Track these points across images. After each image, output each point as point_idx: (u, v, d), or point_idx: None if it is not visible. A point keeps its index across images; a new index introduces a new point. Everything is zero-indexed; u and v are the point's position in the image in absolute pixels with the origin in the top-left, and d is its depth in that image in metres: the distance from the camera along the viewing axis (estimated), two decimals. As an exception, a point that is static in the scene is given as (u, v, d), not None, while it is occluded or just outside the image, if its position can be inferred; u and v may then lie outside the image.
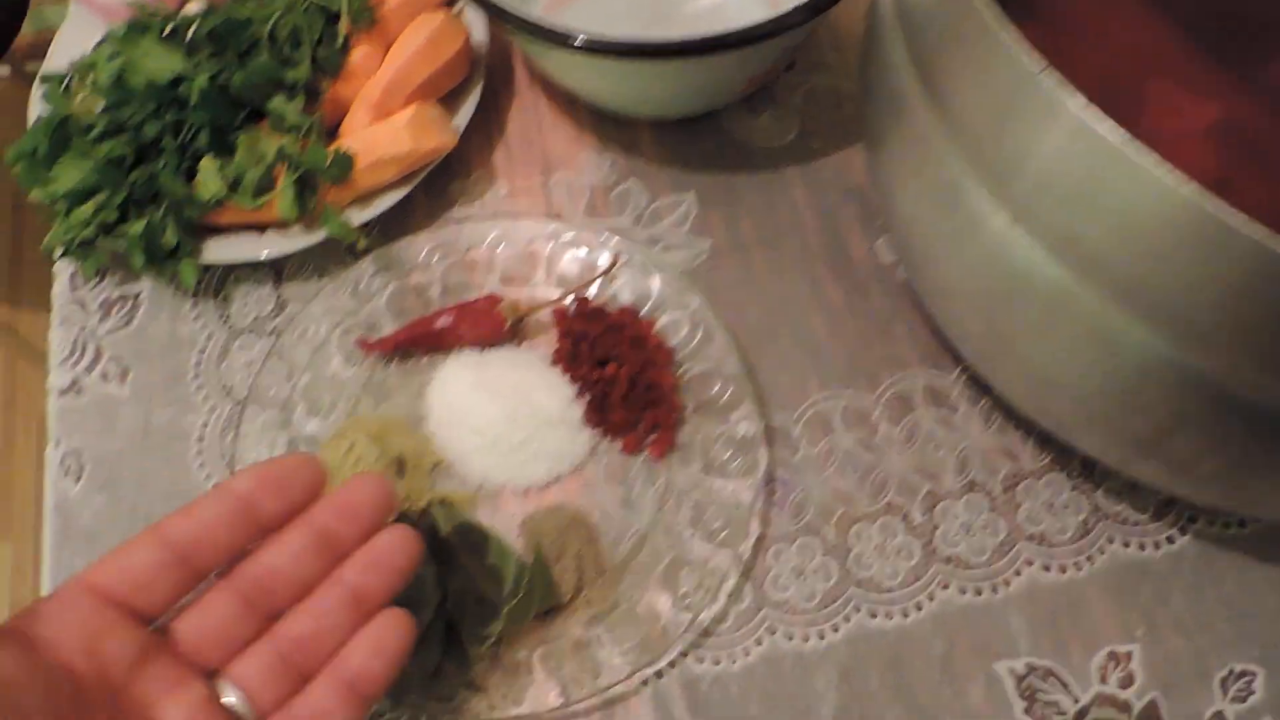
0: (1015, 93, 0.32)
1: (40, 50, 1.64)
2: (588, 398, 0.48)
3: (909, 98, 0.39)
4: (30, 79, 1.54)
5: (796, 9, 0.45)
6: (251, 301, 0.52)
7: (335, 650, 0.32)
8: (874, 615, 0.44)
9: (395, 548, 0.33)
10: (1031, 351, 0.39)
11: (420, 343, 0.49)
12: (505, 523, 0.46)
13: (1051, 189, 0.33)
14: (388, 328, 0.50)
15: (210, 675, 0.31)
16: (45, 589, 0.46)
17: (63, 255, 0.50)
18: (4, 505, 1.32)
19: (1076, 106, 0.29)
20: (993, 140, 0.34)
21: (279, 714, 0.31)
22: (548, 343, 0.50)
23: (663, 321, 0.50)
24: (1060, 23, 0.46)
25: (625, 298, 0.51)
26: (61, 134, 0.49)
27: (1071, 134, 0.30)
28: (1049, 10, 0.46)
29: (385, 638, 0.32)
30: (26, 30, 1.33)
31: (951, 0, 0.34)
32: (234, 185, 0.48)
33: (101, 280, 0.52)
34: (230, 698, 0.31)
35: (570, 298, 0.50)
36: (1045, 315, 0.36)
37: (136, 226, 0.47)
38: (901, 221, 0.43)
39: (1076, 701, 0.43)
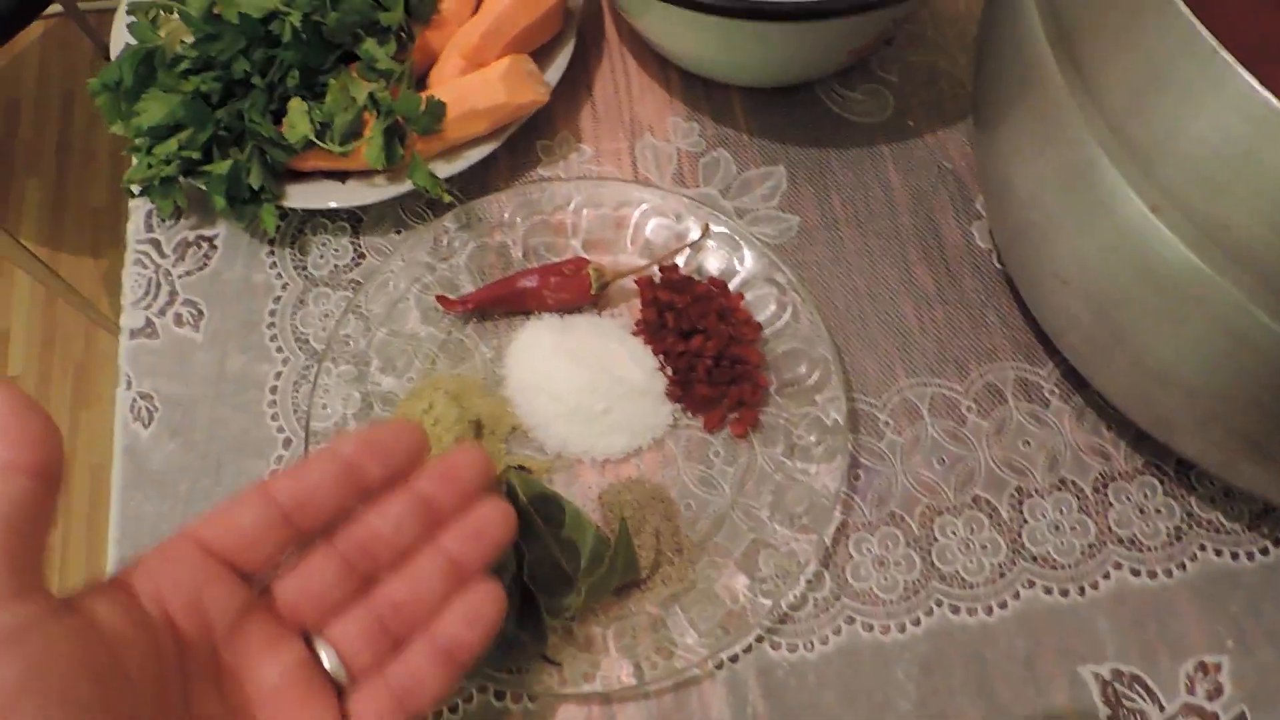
0: (1173, 65, 0.30)
1: (91, -11, 1.63)
2: (671, 370, 0.47)
3: (1041, 69, 0.37)
4: (82, 16, 1.54)
5: (913, -22, 0.43)
6: (329, 252, 0.51)
7: (430, 617, 0.32)
8: (956, 611, 0.43)
9: (494, 519, 0.33)
10: (1149, 344, 0.37)
11: (502, 303, 0.48)
12: (581, 493, 0.45)
13: (1203, 171, 0.31)
14: (466, 286, 0.49)
15: (307, 635, 0.31)
16: (112, 531, 0.45)
17: (141, 193, 0.49)
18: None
19: (1246, 79, 0.28)
20: (1140, 117, 0.32)
21: (373, 677, 0.31)
22: (630, 311, 0.49)
23: (750, 296, 0.48)
24: None
25: (712, 270, 0.49)
26: (147, 67, 0.47)
27: (1237, 109, 0.29)
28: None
29: (480, 607, 0.32)
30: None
31: None
32: (322, 130, 0.47)
33: (177, 221, 0.51)
34: (326, 658, 0.31)
35: (657, 266, 0.48)
36: (1174, 306, 0.35)
37: (221, 167, 0.46)
38: (1014, 204, 0.42)
39: (1162, 710, 0.42)
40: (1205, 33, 0.29)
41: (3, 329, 1.41)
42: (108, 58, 0.49)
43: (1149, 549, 0.44)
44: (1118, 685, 0.42)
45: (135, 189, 0.49)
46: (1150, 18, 0.31)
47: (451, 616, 0.32)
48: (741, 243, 0.49)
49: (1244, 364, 0.34)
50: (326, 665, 0.31)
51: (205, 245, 0.51)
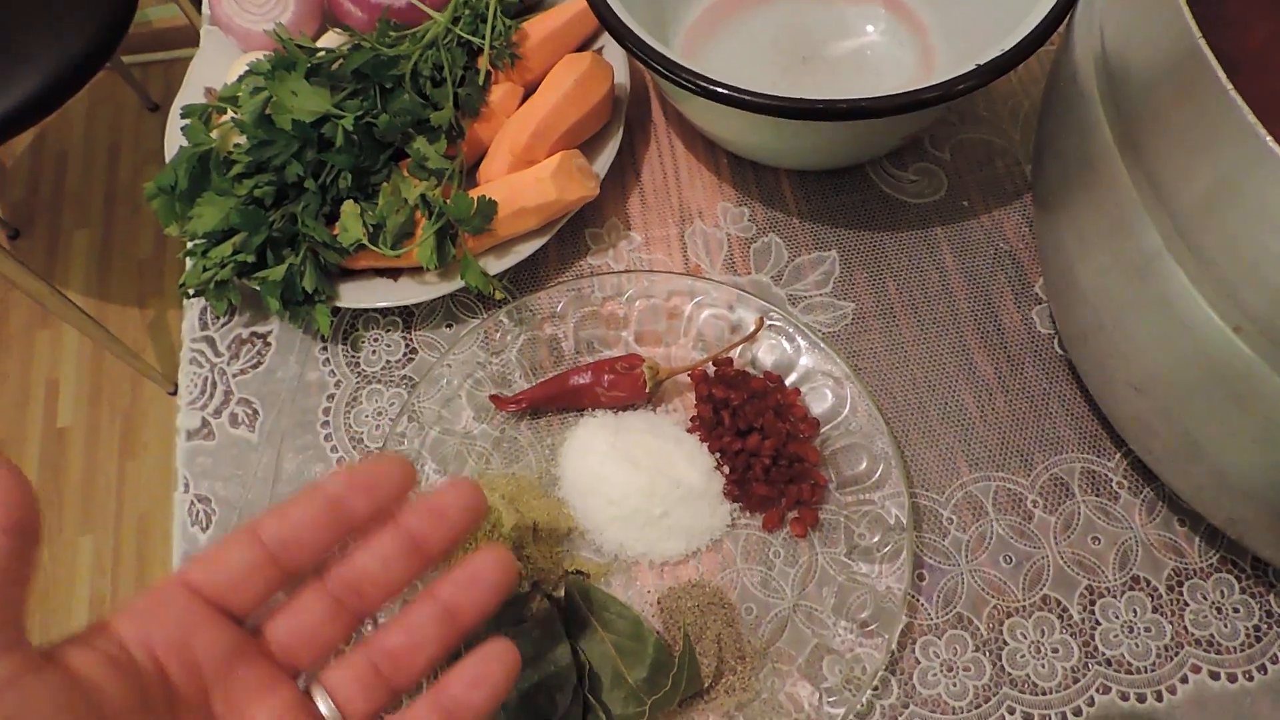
0: (1245, 177, 0.29)
1: (135, 43, 1.67)
2: (728, 469, 0.46)
3: (1107, 161, 0.36)
4: (125, 71, 1.57)
5: (971, 73, 0.43)
6: (381, 348, 0.51)
7: (426, 666, 0.31)
8: (1029, 719, 0.42)
9: (490, 565, 0.32)
10: (1230, 460, 0.36)
11: (554, 400, 0.48)
12: (640, 596, 0.45)
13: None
14: (518, 380, 0.49)
15: (300, 678, 0.31)
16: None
17: (196, 294, 0.49)
18: (86, 499, 1.34)
19: None
20: (1215, 230, 0.31)
21: None
22: (685, 405, 0.49)
23: (806, 390, 0.48)
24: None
25: (766, 362, 0.49)
26: (201, 168, 0.48)
27: None
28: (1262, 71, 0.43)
29: (489, 669, 0.31)
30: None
31: (1181, 62, 0.31)
32: (374, 232, 0.47)
33: (231, 319, 0.52)
34: (322, 704, 0.30)
35: (711, 362, 0.48)
36: (1260, 427, 0.33)
37: (277, 272, 0.46)
38: (1080, 300, 0.41)
39: (1247, 826, 0.40)
40: (1277, 148, 0.28)
41: (52, 380, 1.43)
42: (153, 109, 0.50)
43: (1228, 650, 0.43)
44: (1200, 797, 0.41)
45: (189, 291, 0.49)
46: (1218, 123, 0.29)
47: (459, 676, 0.31)
48: (796, 335, 0.48)
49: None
50: (323, 711, 0.30)
51: (259, 342, 0.51)
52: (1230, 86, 0.28)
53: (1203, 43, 0.29)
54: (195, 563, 0.30)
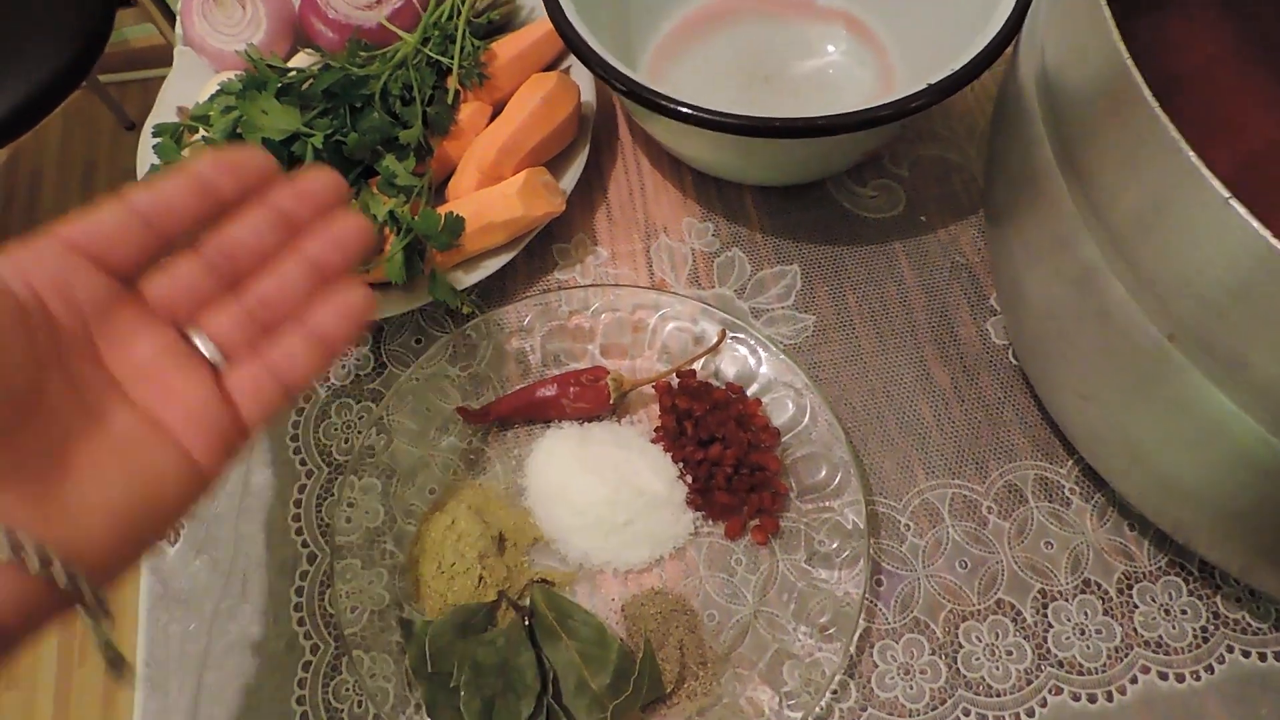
0: (1174, 196, 0.30)
1: (111, 62, 1.67)
2: (691, 478, 0.47)
3: (1049, 182, 0.37)
4: (102, 90, 1.57)
5: (922, 92, 0.44)
6: (350, 362, 0.51)
7: (297, 308, 0.33)
8: (984, 720, 0.43)
9: (351, 228, 0.33)
10: (1170, 465, 0.37)
11: (521, 413, 0.49)
12: (604, 604, 0.45)
13: (1214, 306, 0.31)
14: (486, 394, 0.50)
15: (179, 327, 0.32)
16: (140, 653, 0.45)
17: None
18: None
19: (1246, 219, 0.28)
20: (1147, 243, 0.32)
21: (247, 356, 0.32)
22: (649, 416, 0.50)
23: (767, 400, 0.49)
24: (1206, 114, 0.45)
25: (729, 374, 0.50)
26: (172, 190, 0.48)
27: (1242, 248, 0.29)
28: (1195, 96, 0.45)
29: (351, 302, 0.33)
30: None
31: (1112, 81, 0.32)
32: (343, 249, 0.47)
33: (201, 333, 0.52)
34: (200, 342, 0.32)
35: (675, 373, 0.49)
36: (1195, 433, 0.35)
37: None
38: (1029, 311, 0.42)
39: (1195, 822, 0.41)
40: (1205, 170, 0.29)
41: (25, 399, 1.42)
42: (129, 127, 0.50)
43: (1176, 651, 0.44)
44: (1150, 795, 0.42)
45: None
46: (1147, 141, 0.31)
47: (323, 309, 0.33)
48: (758, 347, 0.49)
49: (1266, 492, 0.34)
50: (200, 347, 0.32)
51: (230, 357, 0.52)
52: (1156, 105, 0.30)
53: (1130, 63, 0.31)
54: (68, 221, 0.30)
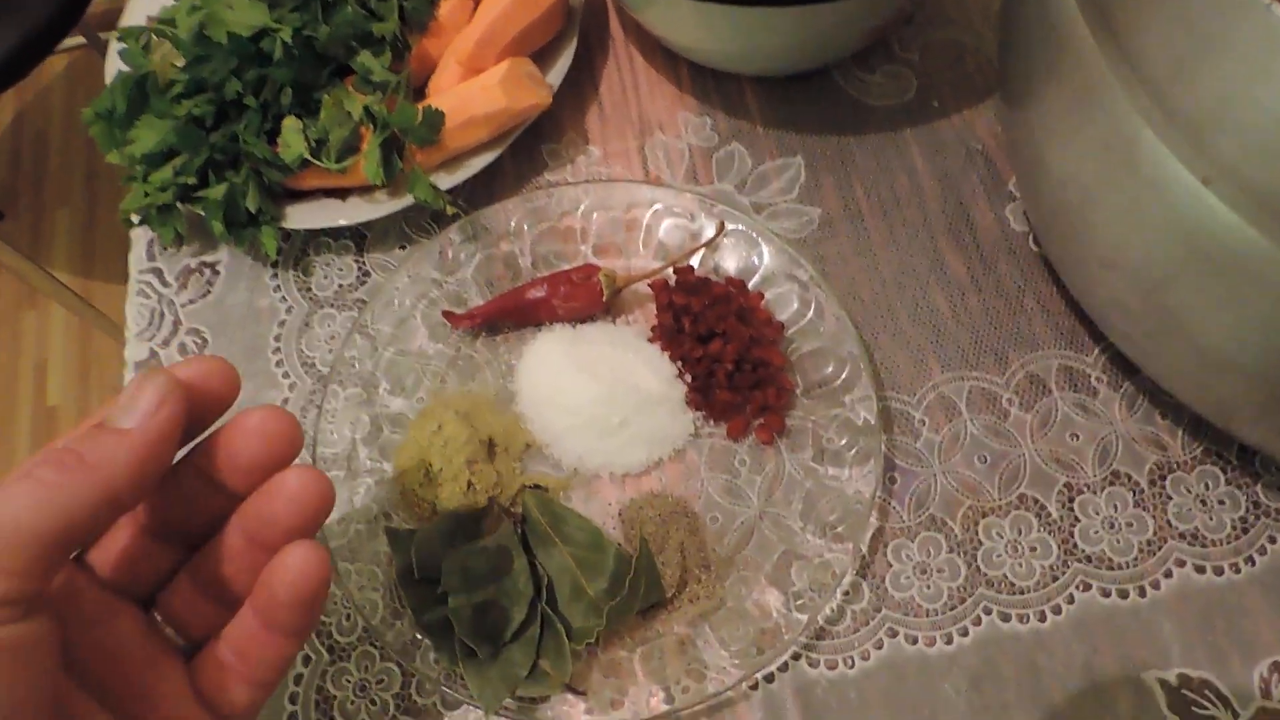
0: (1223, 26, 0.28)
1: (112, 19, 1.65)
2: (690, 377, 0.44)
3: (1073, 40, 0.34)
4: (104, 46, 1.55)
5: (929, -52, 0.41)
6: (333, 272, 0.49)
7: (250, 584, 0.30)
8: (1006, 618, 0.41)
9: (285, 506, 0.29)
10: (1204, 328, 0.34)
11: (510, 315, 0.46)
12: (601, 510, 0.43)
13: (1260, 139, 0.28)
14: (474, 300, 0.47)
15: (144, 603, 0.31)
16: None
17: (140, 222, 0.48)
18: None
19: None
20: (1187, 85, 0.30)
21: (212, 642, 0.30)
22: (645, 317, 0.47)
23: (770, 295, 0.46)
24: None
25: (729, 269, 0.47)
26: (140, 92, 0.46)
27: None
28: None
29: (276, 586, 0.29)
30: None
31: None
32: (318, 147, 0.45)
33: (178, 249, 0.50)
34: (162, 625, 0.30)
35: (671, 268, 0.46)
36: (1231, 286, 0.32)
37: (217, 191, 0.45)
38: (1050, 185, 0.39)
39: (1236, 716, 0.39)
40: None
41: (40, 360, 1.42)
42: None
43: (1213, 543, 0.41)
44: (1186, 691, 0.39)
45: (134, 218, 0.48)
46: None
47: (259, 588, 0.29)
48: (759, 239, 0.46)
49: (1310, 344, 0.31)
50: (167, 633, 0.30)
51: (208, 271, 0.50)
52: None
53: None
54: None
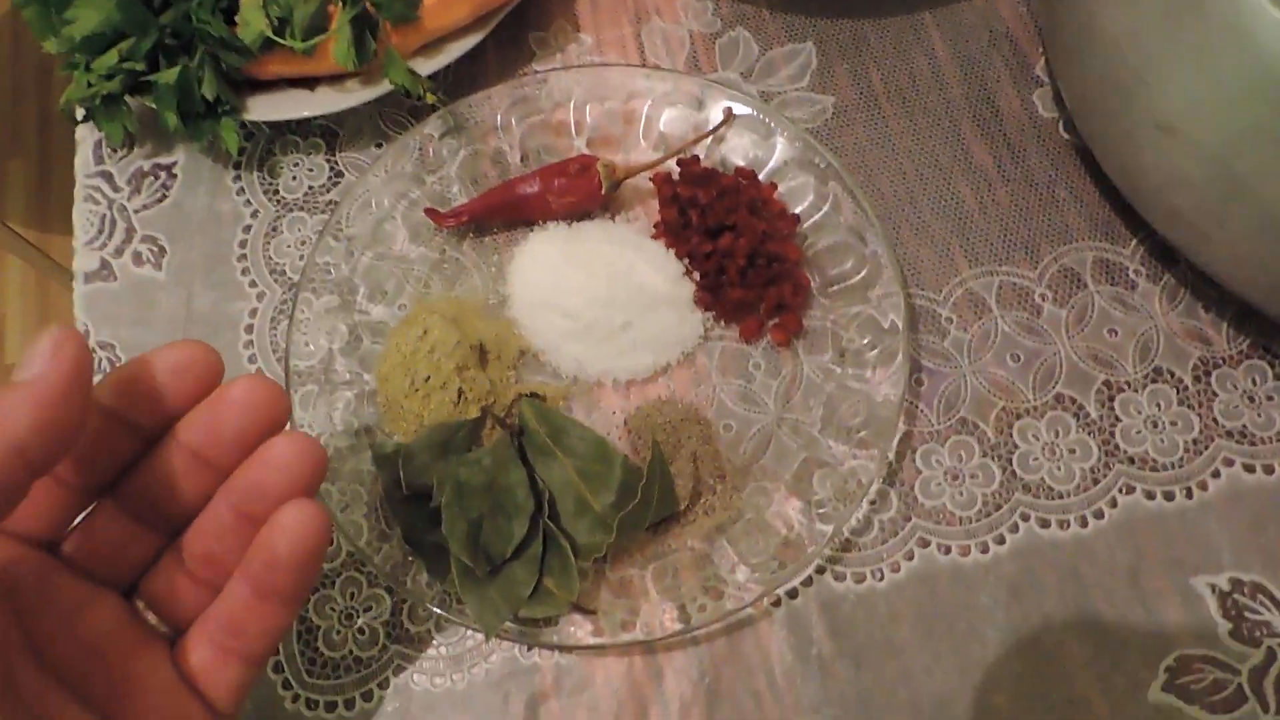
0: None
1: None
2: (699, 275, 0.41)
3: None
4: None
5: None
6: (302, 172, 0.45)
7: (237, 562, 0.29)
8: (1046, 524, 0.38)
9: (276, 475, 0.28)
10: (1268, 180, 0.31)
11: (499, 213, 0.42)
12: (604, 420, 0.40)
13: None
14: (459, 200, 0.43)
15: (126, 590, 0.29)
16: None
17: (85, 118, 0.43)
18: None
19: None
20: None
21: (198, 622, 0.29)
22: (647, 214, 0.43)
23: (783, 188, 0.42)
24: None
25: (738, 162, 0.43)
26: (78, -29, 0.41)
27: None
28: None
29: (277, 544, 0.27)
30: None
31: None
32: (280, 25, 0.41)
33: (130, 150, 0.46)
34: (146, 614, 0.29)
35: (674, 160, 0.42)
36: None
37: (169, 75, 0.40)
38: (1099, 51, 0.35)
39: (1292, 623, 0.36)
40: None
41: (-3, 316, 1.36)
42: None
43: (1263, 441, 0.39)
44: (1238, 596, 0.36)
45: (78, 113, 0.43)
46: None
47: (252, 553, 0.28)
48: (772, 125, 0.42)
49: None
50: (149, 620, 0.29)
51: (163, 175, 0.45)
52: None
53: None
54: None
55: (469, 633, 0.36)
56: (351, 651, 0.36)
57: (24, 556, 0.27)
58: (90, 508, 0.29)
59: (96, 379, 0.36)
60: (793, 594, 0.37)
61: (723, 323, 0.41)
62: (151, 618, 0.29)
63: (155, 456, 0.28)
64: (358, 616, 0.37)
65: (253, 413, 0.28)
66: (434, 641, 0.36)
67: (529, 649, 0.36)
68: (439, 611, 0.35)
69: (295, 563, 0.27)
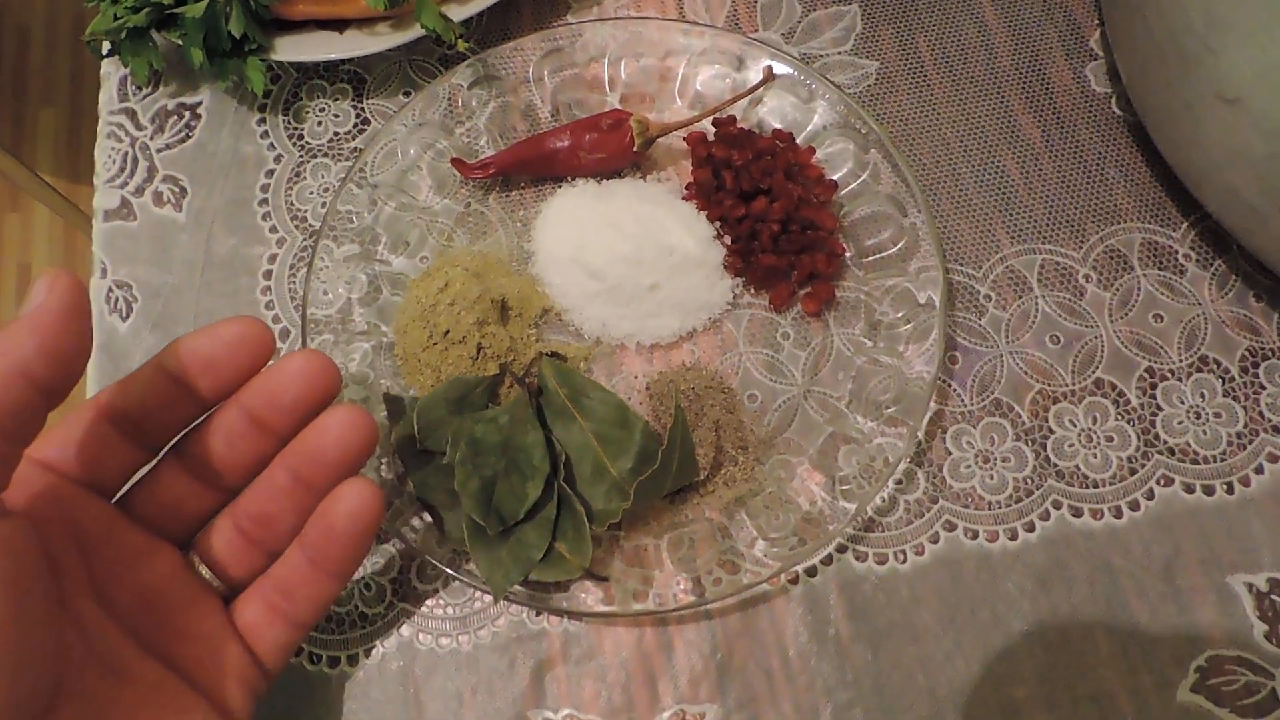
0: None
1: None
2: (730, 238, 0.39)
3: None
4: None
5: None
6: (328, 118, 0.44)
7: (289, 529, 0.31)
8: (1078, 513, 0.36)
9: (333, 439, 0.30)
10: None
11: (528, 167, 0.41)
12: (626, 385, 0.39)
13: None
14: (487, 152, 0.42)
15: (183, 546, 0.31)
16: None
17: (110, 53, 0.42)
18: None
19: None
20: None
21: (255, 584, 0.31)
22: (680, 175, 0.42)
23: (821, 154, 0.41)
24: None
25: (776, 124, 0.42)
26: (107, -100, 0.40)
27: None
28: None
29: (336, 517, 0.30)
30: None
31: None
32: (310, -37, 0.39)
33: (155, 88, 0.45)
34: (201, 570, 0.31)
35: (710, 120, 0.41)
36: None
37: (196, 9, 0.39)
38: (1163, 18, 0.34)
39: (1331, 629, 0.35)
40: None
41: (24, 264, 1.37)
42: None
43: (1311, 439, 0.37)
44: (1275, 597, 0.35)
45: (104, 47, 0.42)
46: None
47: (311, 525, 0.30)
48: (813, 88, 0.41)
49: None
50: (204, 575, 0.31)
51: (187, 114, 0.44)
52: None
53: None
54: (46, 439, 0.29)
55: (477, 594, 0.36)
56: (357, 607, 0.35)
57: (90, 504, 0.29)
58: (153, 463, 0.31)
59: (131, 320, 0.37)
60: (811, 572, 0.36)
61: (752, 289, 0.40)
62: (205, 572, 0.31)
63: (216, 418, 0.30)
64: (365, 571, 0.36)
65: (309, 382, 0.30)
66: (441, 601, 0.36)
67: (537, 614, 0.35)
68: (448, 570, 0.34)
69: (349, 536, 0.30)
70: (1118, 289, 0.39)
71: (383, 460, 0.36)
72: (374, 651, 0.35)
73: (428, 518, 0.36)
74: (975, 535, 0.36)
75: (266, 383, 0.30)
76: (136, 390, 0.29)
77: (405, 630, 0.35)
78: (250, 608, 0.31)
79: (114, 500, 0.30)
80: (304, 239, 0.42)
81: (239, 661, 0.30)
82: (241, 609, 0.31)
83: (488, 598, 0.36)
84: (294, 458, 0.30)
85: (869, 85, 0.43)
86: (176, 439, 0.31)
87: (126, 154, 0.43)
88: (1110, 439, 0.37)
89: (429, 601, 0.36)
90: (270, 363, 0.30)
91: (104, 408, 0.29)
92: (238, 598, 0.31)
